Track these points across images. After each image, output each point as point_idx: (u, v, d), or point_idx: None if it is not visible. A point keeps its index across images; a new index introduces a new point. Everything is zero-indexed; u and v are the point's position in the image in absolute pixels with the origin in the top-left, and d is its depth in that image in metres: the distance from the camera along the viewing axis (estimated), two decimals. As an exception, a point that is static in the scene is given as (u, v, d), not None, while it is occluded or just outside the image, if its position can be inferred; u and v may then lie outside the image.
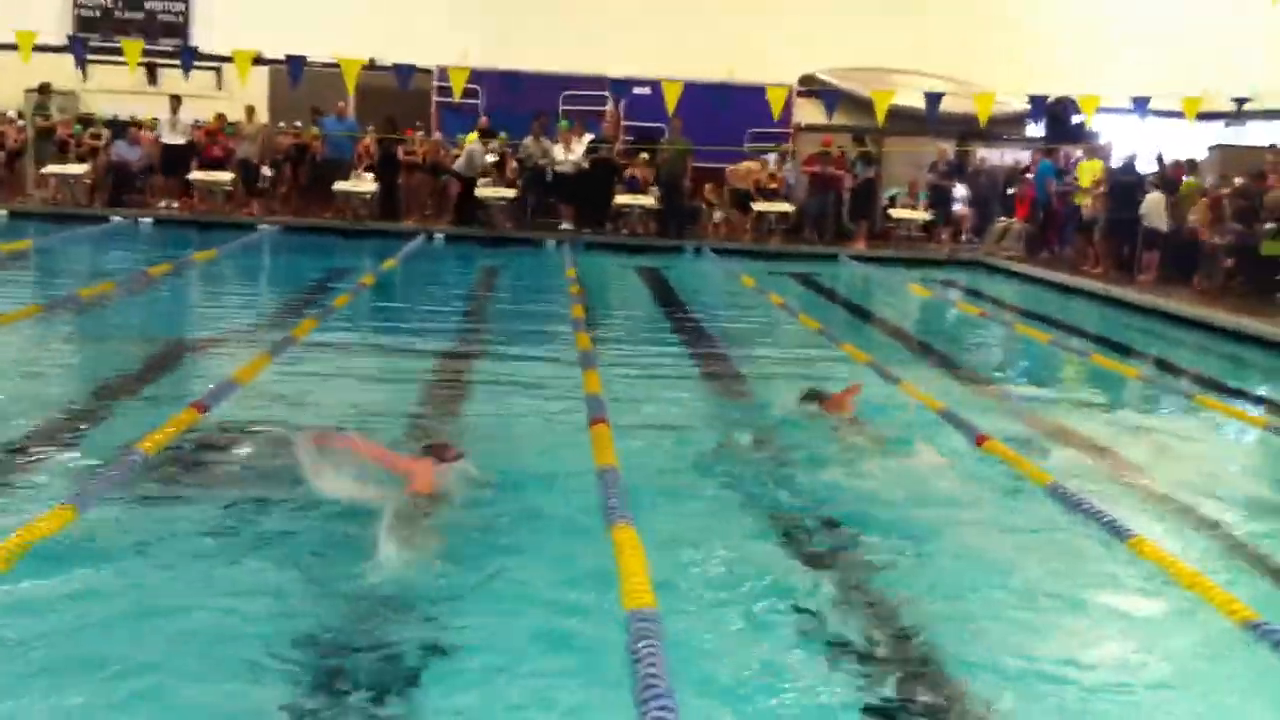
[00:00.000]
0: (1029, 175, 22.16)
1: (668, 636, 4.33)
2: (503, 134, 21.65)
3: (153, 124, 21.65)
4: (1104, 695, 4.52)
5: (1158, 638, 5.11)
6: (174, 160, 21.05)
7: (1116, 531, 6.08)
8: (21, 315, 10.63)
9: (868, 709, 4.27)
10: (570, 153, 20.98)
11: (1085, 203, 19.69)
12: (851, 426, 8.28)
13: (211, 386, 7.89)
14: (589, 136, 21.43)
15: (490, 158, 21.12)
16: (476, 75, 21.48)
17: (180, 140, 21.06)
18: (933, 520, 6.44)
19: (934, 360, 11.92)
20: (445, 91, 22.01)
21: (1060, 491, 6.77)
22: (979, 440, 7.90)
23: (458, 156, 21.08)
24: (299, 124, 22.11)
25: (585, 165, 21.05)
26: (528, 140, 21.08)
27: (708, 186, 22.45)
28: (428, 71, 22.28)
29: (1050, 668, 4.68)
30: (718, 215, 22.34)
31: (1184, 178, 19.00)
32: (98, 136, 21.71)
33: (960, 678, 4.50)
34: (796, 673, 4.50)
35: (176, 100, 21.11)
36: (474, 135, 21.30)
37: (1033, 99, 21.59)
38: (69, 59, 21.04)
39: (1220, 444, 9.13)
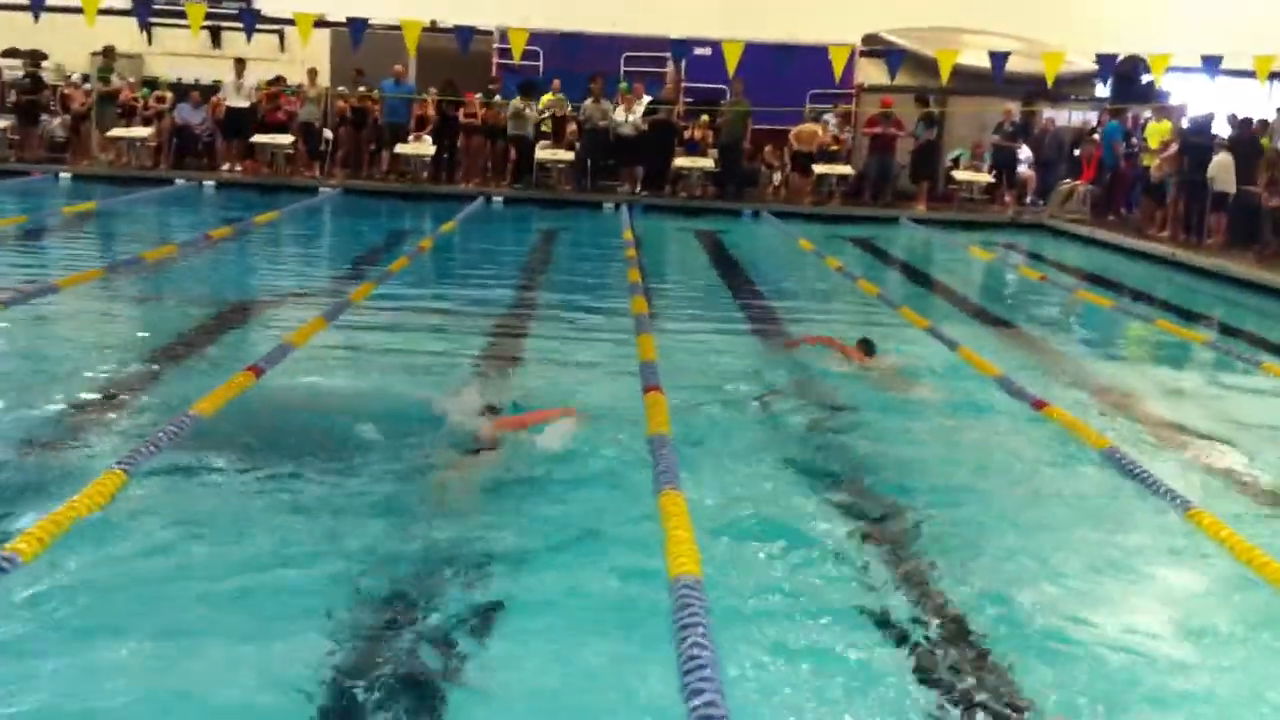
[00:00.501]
0: (1095, 136, 21.76)
1: (713, 604, 4.31)
2: (554, 94, 21.40)
3: (216, 89, 21.79)
4: (1154, 667, 4.45)
5: (1212, 611, 5.01)
6: (238, 123, 21.21)
7: (1175, 501, 5.98)
8: (84, 278, 10.77)
9: (919, 676, 4.24)
10: (630, 114, 20.87)
11: (1153, 164, 19.29)
12: (906, 387, 8.27)
13: (268, 350, 7.95)
14: (647, 98, 21.30)
15: (529, 113, 20.92)
16: (536, 37, 21.39)
17: (245, 103, 21.20)
18: (988, 486, 6.40)
19: (994, 325, 11.78)
20: (505, 54, 21.95)
21: (1118, 458, 6.66)
22: (1037, 405, 7.80)
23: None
24: (360, 87, 22.12)
25: (644, 127, 20.94)
26: (587, 102, 21.00)
27: (767, 148, 22.29)
28: (488, 33, 22.26)
29: (1100, 638, 4.61)
30: (777, 178, 22.19)
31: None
32: (162, 100, 21.90)
33: (1010, 649, 4.44)
34: (844, 641, 4.47)
35: (241, 63, 21.24)
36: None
37: (1100, 58, 21.14)
38: (132, 22, 21.19)
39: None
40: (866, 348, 9.05)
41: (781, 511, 5.79)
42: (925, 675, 4.27)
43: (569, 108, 21.27)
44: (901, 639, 4.52)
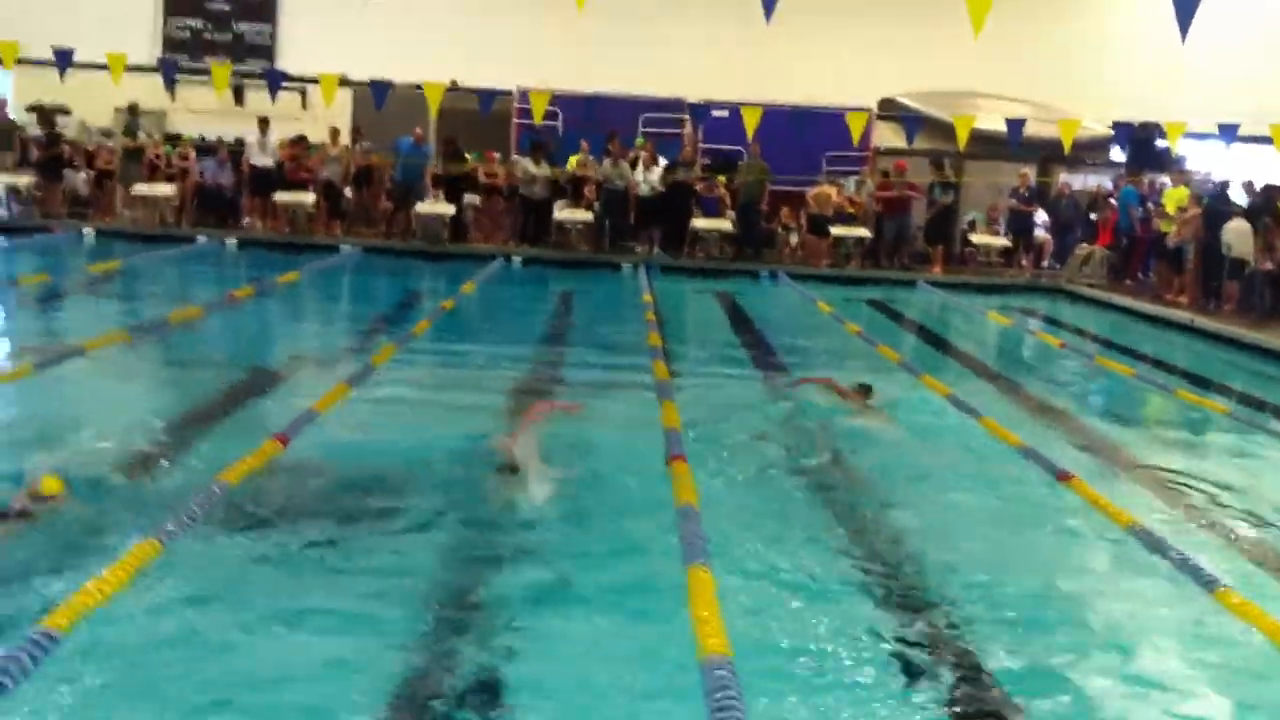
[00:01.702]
0: (1112, 201, 21.86)
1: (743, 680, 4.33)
2: (583, 154, 21.62)
3: (236, 146, 21.99)
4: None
5: (1244, 691, 5.00)
6: (262, 181, 21.41)
7: (1202, 580, 5.97)
8: (110, 340, 10.84)
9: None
10: (648, 174, 21.04)
11: (1172, 230, 19.35)
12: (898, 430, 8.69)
13: (293, 418, 7.99)
14: (664, 161, 21.46)
15: (533, 169, 21.06)
16: (556, 99, 21.63)
17: (269, 161, 21.41)
18: (1010, 559, 6.40)
19: (1013, 393, 11.80)
20: (526, 114, 22.18)
21: (1142, 534, 6.66)
22: (1061, 477, 7.81)
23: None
24: (365, 144, 22.23)
25: (662, 189, 21.10)
26: (605, 163, 21.18)
27: (784, 210, 22.43)
28: (508, 94, 22.51)
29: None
30: (794, 239, 22.31)
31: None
32: (185, 157, 22.13)
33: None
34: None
35: (265, 122, 21.46)
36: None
37: (1116, 125, 21.30)
38: (157, 79, 21.48)
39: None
40: (865, 391, 9.78)
41: (807, 583, 5.81)
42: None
43: (594, 169, 21.41)
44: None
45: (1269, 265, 16.84)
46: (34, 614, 4.53)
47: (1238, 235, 17.52)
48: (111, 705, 4.18)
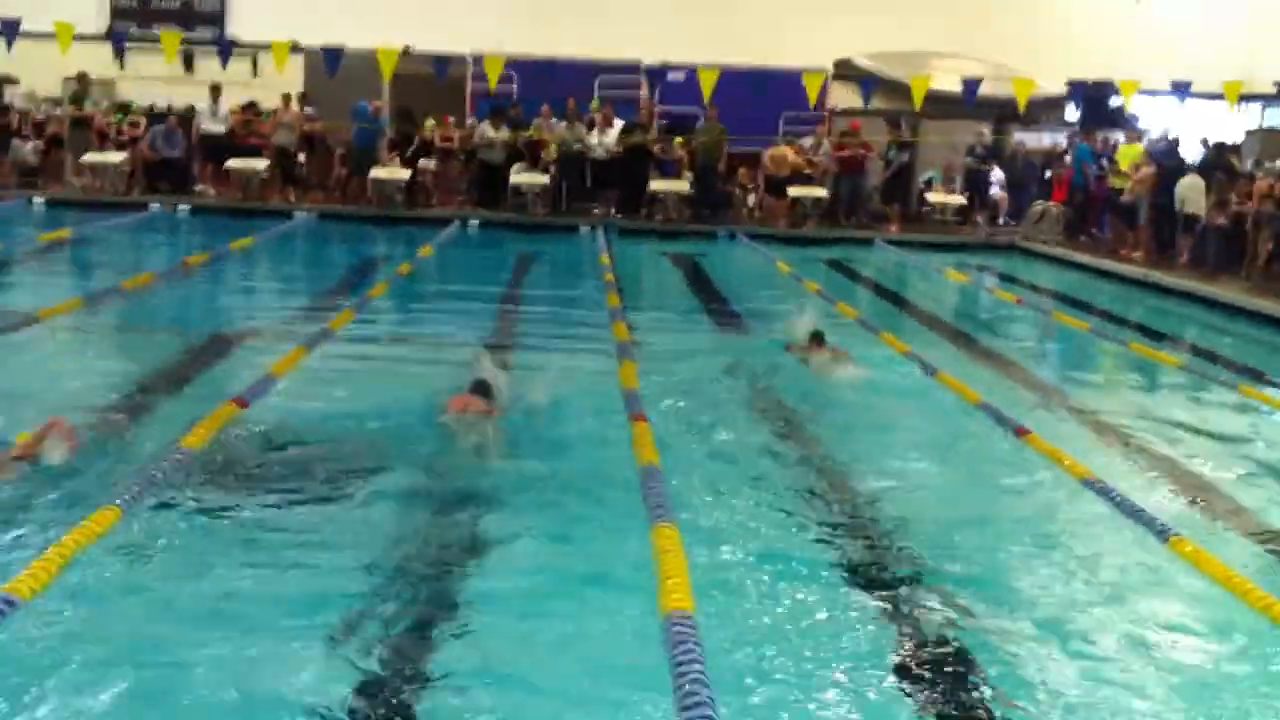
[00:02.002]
0: (1066, 159, 21.99)
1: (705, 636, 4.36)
2: (539, 120, 21.52)
3: (187, 113, 21.73)
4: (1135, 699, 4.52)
5: (1192, 636, 5.09)
6: (213, 148, 21.20)
7: (1155, 530, 6.06)
8: (65, 308, 10.73)
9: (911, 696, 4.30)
10: (604, 137, 20.98)
11: (1127, 186, 19.49)
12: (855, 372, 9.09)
13: (251, 381, 7.94)
14: (620, 123, 21.39)
15: (491, 133, 20.96)
16: (512, 63, 21.48)
17: (220, 129, 21.20)
18: (968, 512, 6.47)
19: (971, 349, 11.89)
20: (481, 78, 22.02)
21: (1098, 487, 6.74)
22: (1019, 433, 7.88)
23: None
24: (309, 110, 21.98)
25: (618, 150, 21.04)
26: (560, 125, 21.07)
27: (742, 171, 22.41)
28: (463, 59, 22.33)
29: (1082, 670, 4.70)
30: (751, 200, 22.31)
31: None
32: (135, 125, 21.85)
33: (1001, 676, 4.51)
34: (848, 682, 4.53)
35: (216, 89, 21.23)
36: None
37: (1071, 83, 21.40)
38: (105, 47, 21.18)
39: (1266, 435, 9.00)
40: (817, 339, 9.91)
41: (772, 542, 5.84)
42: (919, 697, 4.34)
43: (549, 133, 21.29)
44: (897, 665, 4.59)
45: (1221, 220, 17.01)
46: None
47: (1191, 190, 17.66)
48: (69, 671, 4.15)
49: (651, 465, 6.43)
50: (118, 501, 5.32)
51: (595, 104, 21.74)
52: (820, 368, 9.58)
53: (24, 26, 19.58)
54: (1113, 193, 20.12)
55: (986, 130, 22.23)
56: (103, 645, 4.37)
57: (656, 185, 21.15)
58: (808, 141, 22.28)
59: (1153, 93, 21.13)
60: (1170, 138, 20.04)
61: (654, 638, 4.39)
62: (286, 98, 21.44)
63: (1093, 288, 17.11)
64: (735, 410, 8.53)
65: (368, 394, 8.30)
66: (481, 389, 7.51)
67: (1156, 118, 23.05)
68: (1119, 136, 21.86)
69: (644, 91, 23.36)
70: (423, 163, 21.36)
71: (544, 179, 21.14)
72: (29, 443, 6.15)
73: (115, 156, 21.13)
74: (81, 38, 20.01)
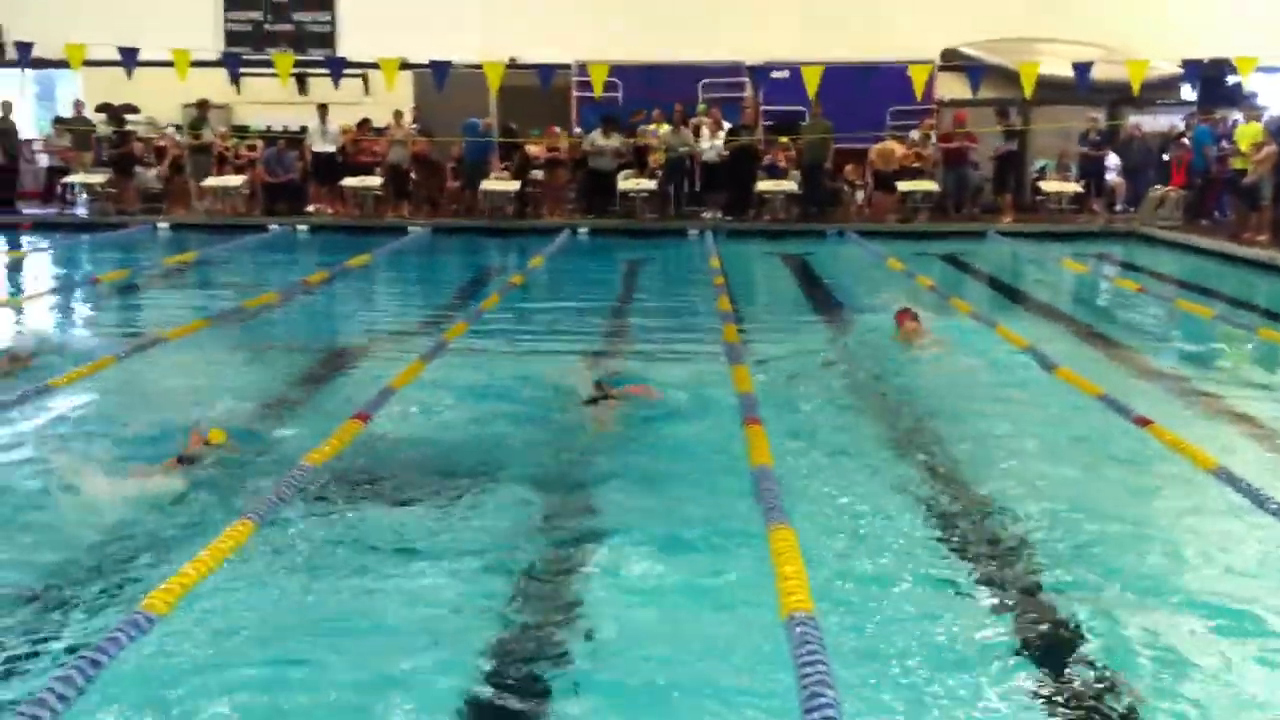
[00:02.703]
0: (1185, 140, 21.44)
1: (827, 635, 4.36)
2: (645, 127, 21.69)
3: (299, 134, 22.27)
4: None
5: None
6: (325, 167, 21.70)
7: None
8: (191, 329, 11.06)
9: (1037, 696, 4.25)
10: (713, 140, 21.03)
11: (1249, 167, 18.94)
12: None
13: (372, 395, 8.11)
14: (727, 125, 21.44)
15: (603, 141, 21.11)
16: (616, 70, 21.61)
17: (331, 148, 21.70)
18: (1092, 505, 6.35)
19: (1091, 340, 11.66)
20: (585, 86, 22.21)
21: (1226, 475, 6.57)
22: (1140, 422, 7.72)
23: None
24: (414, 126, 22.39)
25: (725, 154, 21.07)
26: (666, 130, 21.19)
27: (849, 167, 22.26)
28: (567, 68, 22.54)
29: (1221, 668, 4.59)
30: (860, 196, 22.16)
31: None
32: (253, 148, 22.46)
33: (1131, 671, 4.44)
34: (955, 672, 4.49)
35: (324, 109, 21.77)
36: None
37: (1185, 62, 20.84)
38: (222, 72, 21.78)
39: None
40: (911, 315, 10.75)
41: (890, 543, 5.82)
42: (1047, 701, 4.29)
43: (655, 138, 21.42)
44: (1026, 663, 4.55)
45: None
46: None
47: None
48: (202, 682, 4.31)
49: (765, 467, 6.42)
50: (250, 516, 5.47)
51: (702, 107, 21.81)
52: (908, 336, 10.47)
53: (142, 55, 20.20)
54: (1234, 174, 19.57)
55: (1101, 115, 21.77)
56: (237, 657, 4.53)
57: (764, 185, 21.12)
58: (915, 134, 22.05)
59: (1272, 69, 20.47)
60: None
61: (775, 639, 4.39)
62: (398, 114, 21.84)
63: (1216, 272, 16.65)
64: (849, 410, 8.49)
65: (483, 404, 8.42)
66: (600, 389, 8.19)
67: (1276, 94, 22.32)
68: (1237, 115, 21.24)
69: (748, 92, 23.35)
70: (532, 173, 21.63)
71: (652, 184, 21.24)
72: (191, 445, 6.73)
73: (235, 180, 21.75)
74: (198, 64, 20.58)
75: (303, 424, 7.78)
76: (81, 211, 21.88)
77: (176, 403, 8.33)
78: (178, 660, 4.45)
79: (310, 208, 21.81)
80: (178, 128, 23.61)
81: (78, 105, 22.97)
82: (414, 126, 22.08)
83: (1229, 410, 8.61)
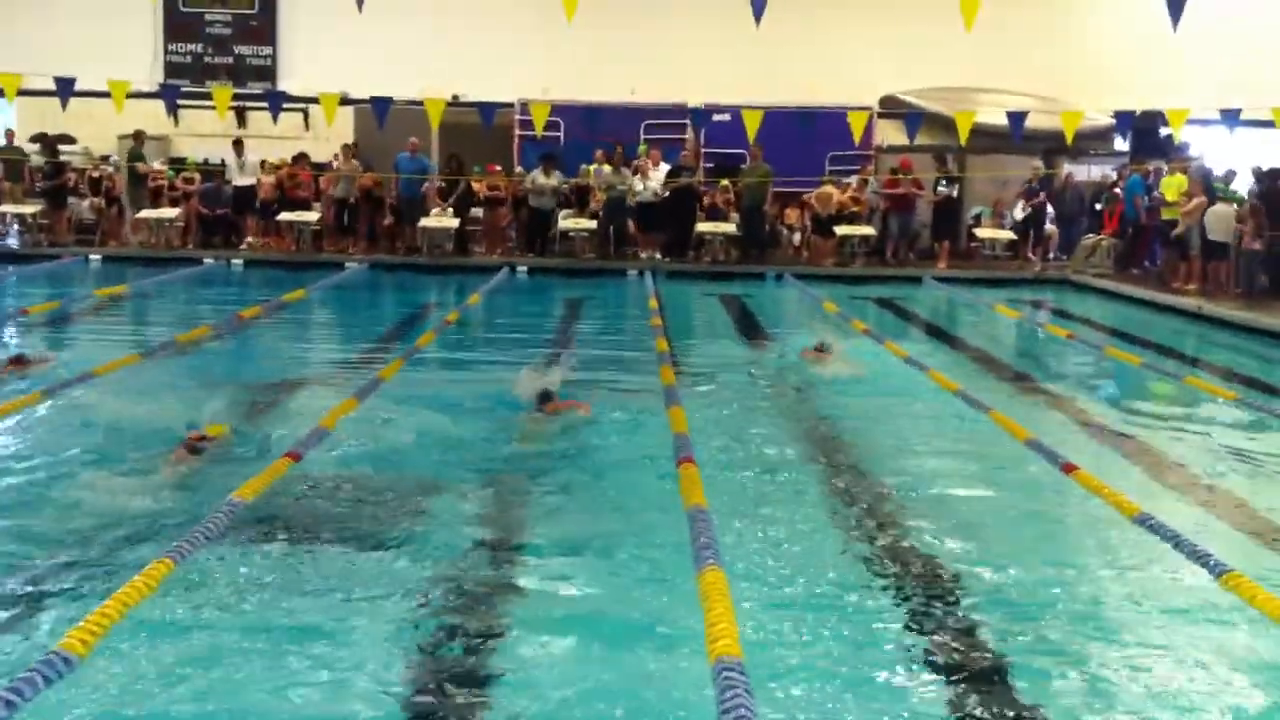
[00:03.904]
0: (1117, 190, 21.84)
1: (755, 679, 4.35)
2: (586, 166, 21.81)
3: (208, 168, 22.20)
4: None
5: (1252, 673, 5.01)
6: (242, 201, 21.59)
7: (1209, 566, 5.95)
8: (121, 363, 10.88)
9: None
10: (649, 181, 21.14)
11: (1179, 218, 19.31)
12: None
13: (303, 434, 8.03)
14: (665, 166, 21.57)
15: (543, 180, 21.17)
16: (557, 109, 21.68)
17: (249, 181, 21.61)
18: (1014, 549, 6.42)
19: (1022, 386, 11.80)
20: (527, 125, 22.26)
21: (1150, 524, 6.64)
22: (1066, 469, 7.79)
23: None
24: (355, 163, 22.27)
25: (664, 194, 21.19)
26: (606, 169, 21.29)
27: (788, 210, 22.46)
28: (509, 106, 22.59)
29: (1136, 707, 4.64)
30: (797, 239, 22.35)
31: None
32: (190, 180, 22.27)
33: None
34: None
35: (238, 143, 21.84)
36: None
37: (1118, 114, 21.26)
38: (160, 104, 21.61)
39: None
40: (822, 347, 11.58)
41: (822, 581, 5.84)
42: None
43: (594, 177, 21.53)
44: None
45: (1256, 245, 16.96)
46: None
47: (1217, 219, 17.73)
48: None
49: (699, 508, 6.41)
50: (170, 554, 5.38)
51: (643, 149, 21.96)
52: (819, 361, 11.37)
53: (79, 85, 19.96)
54: (1164, 224, 19.94)
55: (1040, 164, 22.17)
56: (160, 693, 4.47)
57: (703, 227, 21.25)
58: (853, 180, 22.30)
59: (1203, 122, 20.93)
60: (1219, 168, 19.89)
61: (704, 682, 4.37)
62: (345, 148, 21.78)
63: (1146, 320, 16.93)
64: (783, 452, 8.52)
65: (416, 442, 8.36)
66: (546, 397, 8.82)
67: (1207, 146, 22.81)
68: (1163, 165, 21.67)
69: (689, 134, 23.53)
70: (471, 211, 21.63)
71: (592, 224, 21.30)
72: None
73: (170, 212, 21.56)
74: (136, 95, 20.39)
75: (231, 462, 7.67)
76: (12, 243, 21.56)
77: (102, 439, 8.20)
78: (96, 700, 4.35)
79: (247, 240, 21.65)
80: (105, 158, 23.37)
81: (9, 134, 22.68)
82: (355, 163, 21.99)
83: (1154, 456, 8.73)
